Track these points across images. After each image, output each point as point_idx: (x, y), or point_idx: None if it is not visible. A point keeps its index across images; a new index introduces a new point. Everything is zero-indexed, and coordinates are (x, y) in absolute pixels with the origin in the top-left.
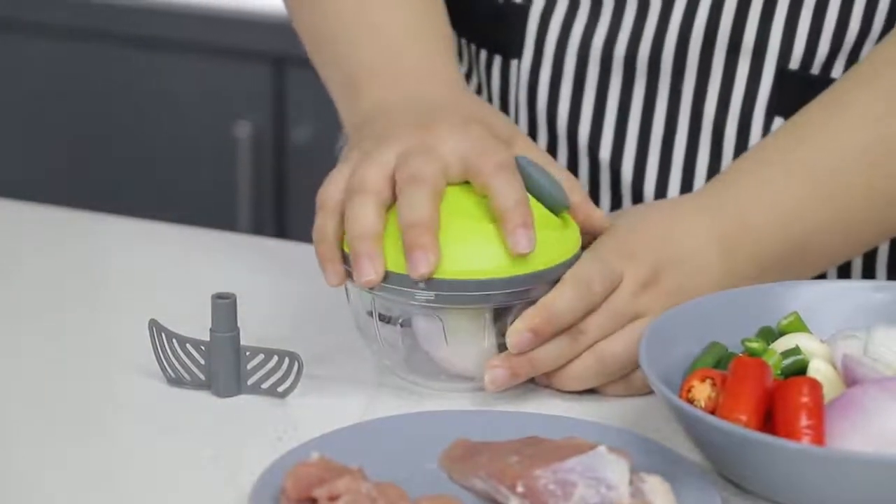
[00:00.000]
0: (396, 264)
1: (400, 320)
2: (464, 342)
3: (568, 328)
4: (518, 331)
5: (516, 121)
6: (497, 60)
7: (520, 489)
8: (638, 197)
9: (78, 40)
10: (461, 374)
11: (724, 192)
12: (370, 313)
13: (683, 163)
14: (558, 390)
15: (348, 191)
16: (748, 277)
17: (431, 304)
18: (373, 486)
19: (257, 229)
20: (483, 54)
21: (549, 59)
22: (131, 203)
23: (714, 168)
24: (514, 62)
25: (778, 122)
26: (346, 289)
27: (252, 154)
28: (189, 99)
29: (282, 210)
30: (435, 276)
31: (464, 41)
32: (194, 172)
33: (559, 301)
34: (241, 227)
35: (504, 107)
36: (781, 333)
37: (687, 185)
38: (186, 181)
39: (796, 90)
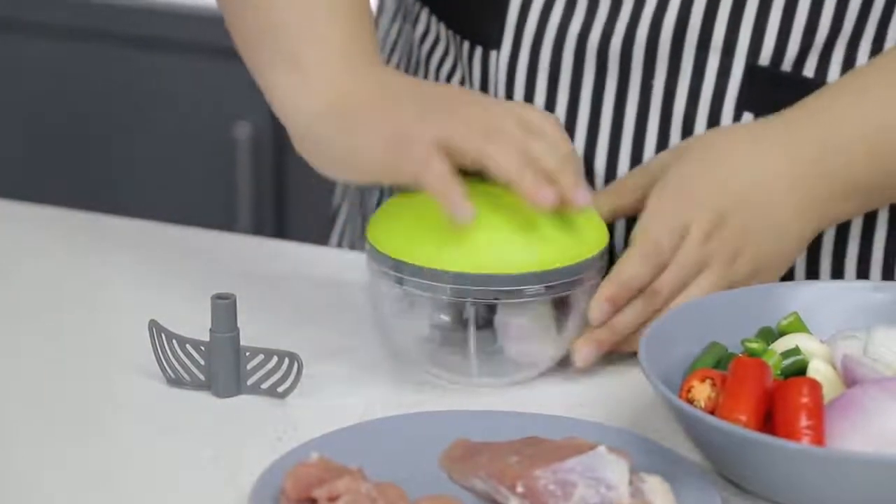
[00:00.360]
0: (503, 265)
1: (475, 322)
2: (546, 332)
3: (643, 290)
4: (596, 302)
5: None
6: (478, 52)
7: (520, 489)
8: None
9: (78, 40)
10: (535, 364)
11: (778, 124)
12: (435, 326)
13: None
14: (629, 352)
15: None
16: (818, 203)
17: (539, 296)
18: (373, 487)
19: (257, 230)
20: (466, 45)
21: (526, 50)
22: (131, 203)
23: None
24: (493, 53)
25: (747, 117)
26: (403, 307)
27: (252, 154)
28: (189, 99)
29: (281, 211)
30: (544, 268)
31: (450, 33)
32: (194, 173)
33: (629, 266)
34: (241, 227)
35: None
36: (781, 334)
37: None
38: (186, 181)
39: (766, 86)
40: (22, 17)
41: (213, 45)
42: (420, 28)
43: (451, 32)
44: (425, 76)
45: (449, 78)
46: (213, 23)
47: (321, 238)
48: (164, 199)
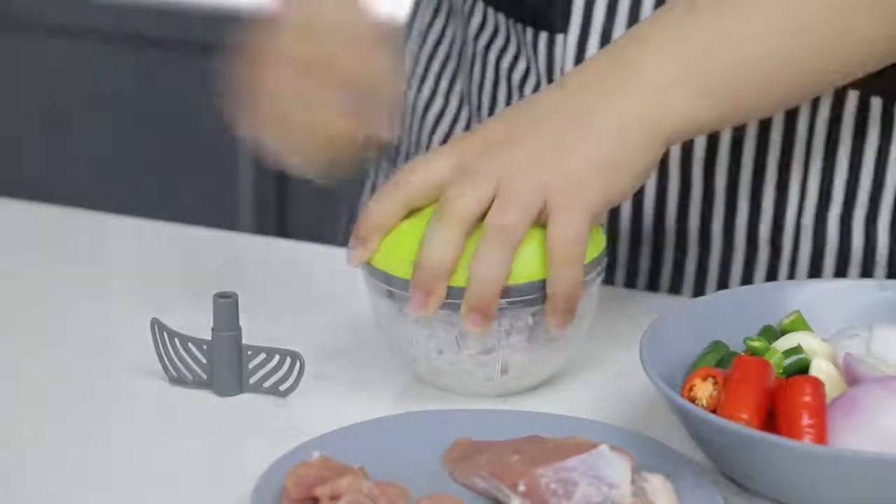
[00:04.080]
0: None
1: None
2: (549, 341)
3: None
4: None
5: None
6: (543, 37)
7: (521, 488)
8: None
9: (79, 40)
10: (538, 374)
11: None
12: (508, 329)
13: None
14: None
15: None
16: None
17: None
18: (374, 486)
19: (258, 228)
20: (529, 33)
21: (597, 31)
22: (131, 203)
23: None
24: (559, 38)
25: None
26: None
27: (252, 154)
28: (189, 99)
29: (283, 209)
30: (537, 278)
31: (510, 21)
32: (195, 172)
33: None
34: (242, 226)
35: (550, 83)
36: (783, 332)
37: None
38: (187, 181)
39: None
40: (23, 17)
41: (213, 45)
42: (475, 21)
43: (510, 21)
44: (483, 70)
45: (511, 68)
46: (214, 23)
47: (322, 236)
48: (164, 198)
